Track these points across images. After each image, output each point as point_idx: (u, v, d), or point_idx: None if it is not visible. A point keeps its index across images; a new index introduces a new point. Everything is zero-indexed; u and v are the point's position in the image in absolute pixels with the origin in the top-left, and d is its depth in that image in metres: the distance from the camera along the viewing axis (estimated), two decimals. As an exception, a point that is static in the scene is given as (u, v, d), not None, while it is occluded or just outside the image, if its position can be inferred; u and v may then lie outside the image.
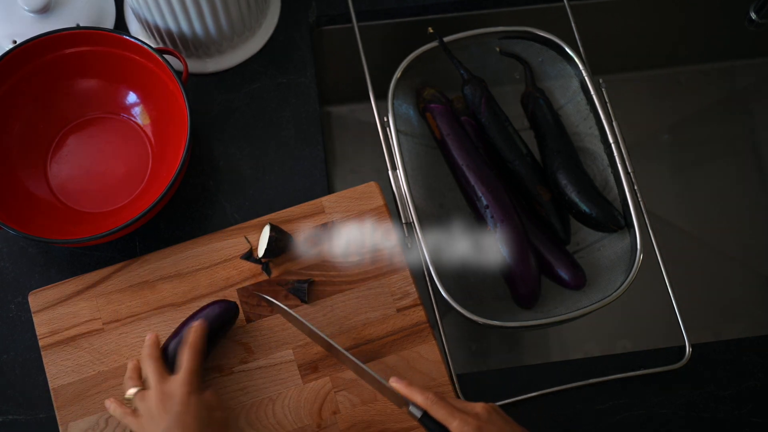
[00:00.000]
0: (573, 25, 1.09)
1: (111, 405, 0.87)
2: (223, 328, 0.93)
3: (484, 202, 1.00)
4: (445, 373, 0.96)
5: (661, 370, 0.97)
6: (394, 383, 0.85)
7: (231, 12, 1.03)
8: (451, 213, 1.06)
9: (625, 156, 1.01)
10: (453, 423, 0.80)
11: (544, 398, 0.97)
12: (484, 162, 1.03)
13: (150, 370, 0.86)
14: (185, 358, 0.86)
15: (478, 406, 0.82)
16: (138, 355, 0.95)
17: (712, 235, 1.35)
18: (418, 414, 0.84)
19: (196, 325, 0.89)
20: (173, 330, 0.94)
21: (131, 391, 0.86)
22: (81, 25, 1.08)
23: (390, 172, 1.01)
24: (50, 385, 0.95)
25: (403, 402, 0.85)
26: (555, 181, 1.01)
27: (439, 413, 0.82)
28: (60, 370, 0.95)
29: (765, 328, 1.29)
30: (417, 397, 0.83)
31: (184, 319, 0.95)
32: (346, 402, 0.94)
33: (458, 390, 0.96)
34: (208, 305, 0.94)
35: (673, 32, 1.35)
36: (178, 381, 0.84)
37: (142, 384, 0.87)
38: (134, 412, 0.86)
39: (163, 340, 0.95)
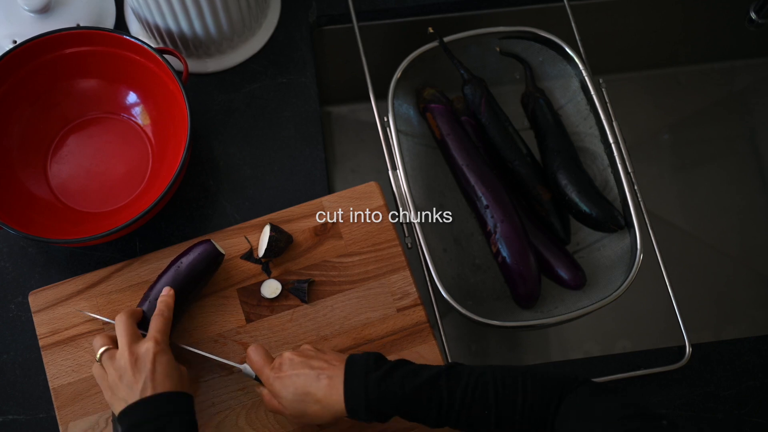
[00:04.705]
0: (573, 25, 1.09)
1: (98, 341, 0.88)
2: (203, 276, 0.95)
3: (484, 202, 1.00)
4: (445, 373, 0.96)
5: (661, 370, 0.97)
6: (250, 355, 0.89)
7: (231, 12, 1.03)
8: (451, 212, 1.06)
9: (625, 156, 1.01)
10: (263, 376, 0.86)
11: (544, 398, 0.97)
12: (484, 162, 1.03)
13: (122, 331, 0.87)
14: (154, 325, 0.88)
15: (283, 356, 0.86)
16: None
17: (712, 235, 1.35)
18: (252, 375, 0.90)
19: (163, 297, 0.91)
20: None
21: (101, 350, 0.87)
22: (81, 25, 1.08)
23: (390, 172, 1.01)
24: (50, 385, 0.95)
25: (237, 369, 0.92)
26: (555, 181, 1.01)
27: (254, 367, 0.88)
28: (60, 370, 0.95)
29: (765, 328, 1.29)
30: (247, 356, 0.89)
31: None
32: (346, 402, 0.94)
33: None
34: (185, 252, 0.94)
35: (673, 32, 1.35)
36: (148, 343, 0.86)
37: (112, 344, 0.88)
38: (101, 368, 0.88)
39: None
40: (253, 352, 0.88)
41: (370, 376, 0.81)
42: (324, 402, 0.81)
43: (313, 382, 0.82)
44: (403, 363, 0.82)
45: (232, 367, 0.93)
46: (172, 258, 0.96)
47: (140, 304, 0.92)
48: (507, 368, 0.81)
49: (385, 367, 0.81)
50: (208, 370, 0.95)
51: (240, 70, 1.11)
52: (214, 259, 0.94)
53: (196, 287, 0.94)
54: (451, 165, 1.04)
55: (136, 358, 0.84)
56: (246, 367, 0.90)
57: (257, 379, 0.89)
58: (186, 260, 0.93)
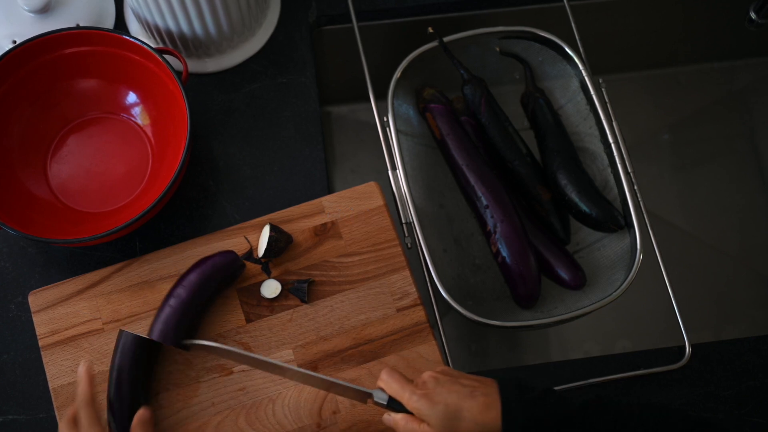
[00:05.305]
0: (573, 25, 1.09)
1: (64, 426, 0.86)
2: (224, 283, 0.95)
3: (484, 202, 1.00)
4: (445, 373, 0.96)
5: (660, 370, 0.97)
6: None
7: (231, 12, 1.03)
8: (451, 213, 1.06)
9: (625, 156, 1.01)
10: (404, 396, 0.81)
11: (544, 398, 0.97)
12: (484, 162, 1.03)
13: (85, 421, 0.84)
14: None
15: (426, 375, 0.82)
16: None
17: (712, 235, 1.35)
18: (384, 401, 0.83)
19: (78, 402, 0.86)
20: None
21: None
22: (81, 25, 1.08)
23: (390, 172, 1.01)
24: (50, 385, 0.95)
25: (365, 396, 0.85)
26: (555, 181, 1.01)
27: (391, 389, 0.82)
28: (60, 370, 0.95)
29: (765, 328, 1.29)
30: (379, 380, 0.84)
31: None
32: (346, 402, 0.94)
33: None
34: (206, 259, 0.95)
35: (673, 32, 1.35)
36: None
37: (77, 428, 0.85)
38: None
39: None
40: (389, 375, 0.83)
41: (526, 397, 0.79)
42: (479, 419, 0.78)
43: (467, 399, 0.79)
44: (552, 389, 0.81)
45: (358, 392, 0.86)
46: (172, 258, 0.96)
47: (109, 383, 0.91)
48: (650, 405, 0.81)
49: (538, 391, 0.80)
50: (208, 370, 0.95)
51: (240, 70, 1.11)
52: (236, 270, 0.96)
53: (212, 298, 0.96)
54: (451, 165, 1.04)
55: None
56: (378, 393, 0.84)
57: (389, 405, 0.83)
58: (210, 272, 0.94)
